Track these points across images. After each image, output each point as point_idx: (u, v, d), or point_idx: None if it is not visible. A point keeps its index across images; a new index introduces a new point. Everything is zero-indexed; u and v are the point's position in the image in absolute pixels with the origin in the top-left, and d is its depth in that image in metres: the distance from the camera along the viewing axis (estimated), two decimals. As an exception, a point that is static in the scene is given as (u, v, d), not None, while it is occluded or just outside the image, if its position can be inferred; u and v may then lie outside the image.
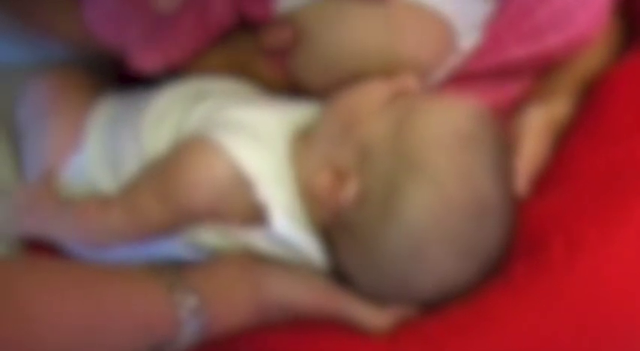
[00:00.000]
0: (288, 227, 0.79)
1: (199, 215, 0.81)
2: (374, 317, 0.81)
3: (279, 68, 0.88)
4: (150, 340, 0.78)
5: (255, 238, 0.81)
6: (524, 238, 0.82)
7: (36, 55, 0.96)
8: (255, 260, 0.81)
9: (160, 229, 0.81)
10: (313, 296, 0.81)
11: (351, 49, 0.84)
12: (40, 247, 0.87)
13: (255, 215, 0.80)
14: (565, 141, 0.88)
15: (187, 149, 0.81)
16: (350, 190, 0.79)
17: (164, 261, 0.83)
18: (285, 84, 0.89)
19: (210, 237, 0.82)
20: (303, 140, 0.83)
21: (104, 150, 0.86)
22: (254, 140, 0.81)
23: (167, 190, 0.80)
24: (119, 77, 0.95)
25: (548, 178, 0.85)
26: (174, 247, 0.83)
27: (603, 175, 0.83)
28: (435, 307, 0.81)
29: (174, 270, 0.79)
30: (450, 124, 0.81)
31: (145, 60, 0.86)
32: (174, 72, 0.88)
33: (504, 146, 0.83)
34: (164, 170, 0.81)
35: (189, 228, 0.82)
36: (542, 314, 0.78)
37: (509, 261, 0.81)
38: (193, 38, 0.87)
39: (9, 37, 0.95)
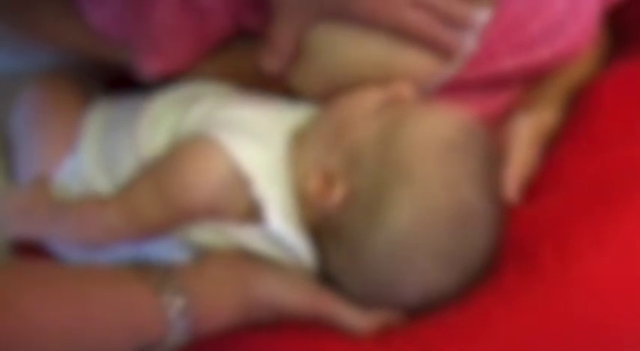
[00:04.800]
0: (282, 226, 0.80)
1: (197, 213, 0.81)
2: (359, 320, 0.81)
3: (276, 78, 0.89)
4: (138, 341, 0.78)
5: (249, 237, 0.81)
6: (515, 244, 0.82)
7: (27, 64, 0.97)
8: (243, 259, 0.82)
9: (157, 228, 0.81)
10: (299, 296, 0.81)
11: (352, 64, 0.85)
12: (27, 250, 0.88)
13: (251, 213, 0.81)
14: (554, 149, 0.88)
15: (186, 147, 0.82)
16: (337, 195, 0.80)
17: (153, 261, 0.83)
18: (282, 92, 0.89)
19: (203, 235, 0.82)
20: (298, 142, 0.84)
21: (99, 152, 0.87)
22: (252, 139, 0.82)
23: (165, 188, 0.80)
24: (109, 84, 0.96)
25: (537, 185, 0.86)
26: (166, 248, 0.83)
27: (593, 182, 0.84)
28: (421, 312, 0.81)
29: (162, 270, 0.80)
30: (437, 132, 0.82)
31: (149, 65, 0.88)
32: (168, 78, 0.89)
33: (492, 156, 0.84)
34: (162, 169, 0.82)
35: (184, 226, 0.82)
36: (534, 320, 0.78)
37: (501, 266, 0.82)
38: (191, 47, 0.88)
39: (2, 45, 0.97)
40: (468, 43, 0.87)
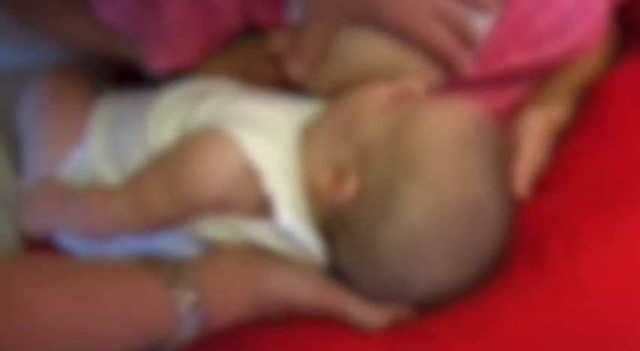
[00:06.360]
0: (292, 221, 0.80)
1: (207, 206, 0.81)
2: (369, 315, 0.81)
3: (283, 72, 0.89)
4: (149, 336, 0.78)
5: (259, 231, 0.81)
6: (524, 239, 0.82)
7: (35, 59, 0.97)
8: (254, 253, 0.81)
9: (165, 220, 0.81)
10: (310, 291, 0.81)
11: (366, 63, 0.85)
12: (36, 245, 0.88)
13: (261, 208, 0.80)
14: (564, 144, 0.88)
15: (197, 140, 0.82)
16: (349, 189, 0.80)
17: (162, 255, 0.83)
18: (290, 88, 0.89)
19: (213, 230, 0.82)
20: (307, 137, 0.84)
21: (107, 146, 0.87)
22: (263, 133, 0.82)
23: (175, 180, 0.80)
24: (117, 78, 0.96)
25: (547, 180, 0.86)
26: (174, 242, 0.83)
27: (602, 177, 0.84)
28: (432, 306, 0.81)
29: (172, 265, 0.79)
30: (449, 127, 0.81)
31: (158, 60, 0.88)
32: (177, 74, 0.89)
33: (503, 150, 0.84)
34: (172, 160, 0.81)
35: (193, 220, 0.82)
36: (544, 315, 0.79)
37: (511, 262, 0.82)
38: (200, 43, 0.89)
39: (9, 40, 0.97)
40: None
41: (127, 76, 0.94)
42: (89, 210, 0.81)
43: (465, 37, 0.84)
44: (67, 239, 0.87)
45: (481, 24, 0.86)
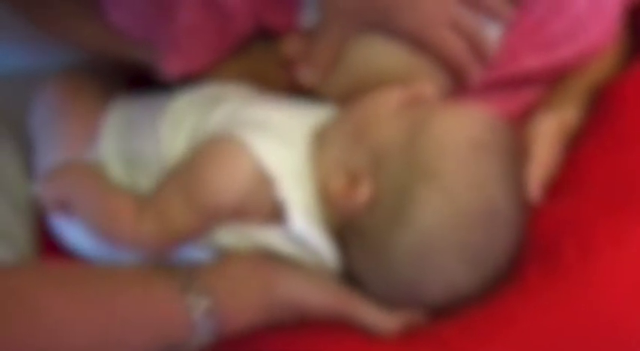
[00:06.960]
0: (305, 226, 0.80)
1: (225, 215, 0.81)
2: (382, 320, 0.81)
3: (295, 77, 0.89)
4: (164, 342, 0.78)
5: (273, 237, 0.81)
6: (537, 243, 0.82)
7: (46, 61, 0.97)
8: (264, 259, 0.81)
9: (188, 234, 0.81)
10: (323, 296, 0.81)
11: (378, 68, 0.85)
12: (51, 249, 0.88)
13: (274, 213, 0.80)
14: (576, 147, 0.88)
15: (211, 148, 0.82)
16: (362, 194, 0.80)
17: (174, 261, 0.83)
18: (302, 93, 0.89)
19: (227, 238, 0.82)
20: (320, 142, 0.84)
21: (119, 150, 0.87)
22: (276, 139, 0.82)
23: (192, 190, 0.80)
24: (129, 83, 0.96)
25: (560, 183, 0.86)
26: (188, 250, 0.83)
27: (615, 181, 0.84)
28: (444, 312, 0.81)
29: (186, 271, 0.80)
30: (463, 132, 0.81)
31: (171, 65, 0.88)
32: (189, 78, 0.89)
33: (517, 154, 0.84)
34: (188, 171, 0.81)
35: (212, 230, 0.82)
36: (557, 319, 0.79)
37: (524, 266, 0.82)
38: (213, 47, 0.89)
39: (20, 43, 0.97)
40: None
41: (140, 80, 0.94)
42: (113, 221, 0.81)
43: (477, 47, 0.84)
44: (77, 239, 0.87)
45: (494, 32, 0.86)
